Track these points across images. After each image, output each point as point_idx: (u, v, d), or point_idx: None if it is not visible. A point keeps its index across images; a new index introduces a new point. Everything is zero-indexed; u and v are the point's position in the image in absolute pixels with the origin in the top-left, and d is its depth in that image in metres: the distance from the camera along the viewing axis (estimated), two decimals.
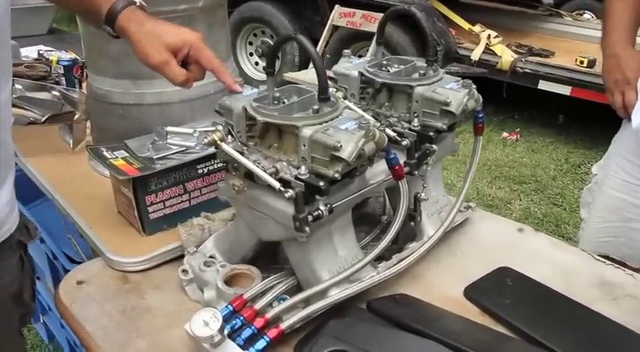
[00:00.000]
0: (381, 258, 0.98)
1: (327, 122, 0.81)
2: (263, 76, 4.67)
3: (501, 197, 3.01)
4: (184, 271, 0.97)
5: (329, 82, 1.05)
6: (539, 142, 3.77)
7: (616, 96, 1.40)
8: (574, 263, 1.06)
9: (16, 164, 1.42)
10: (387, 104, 1.02)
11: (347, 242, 0.93)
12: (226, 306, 0.85)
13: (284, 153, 0.84)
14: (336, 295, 0.87)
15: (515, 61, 3.72)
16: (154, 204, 1.07)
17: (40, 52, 2.01)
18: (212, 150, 0.88)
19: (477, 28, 4.00)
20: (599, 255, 1.09)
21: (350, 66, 1.04)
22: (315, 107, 0.83)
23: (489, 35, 3.88)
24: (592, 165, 3.27)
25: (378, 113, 1.02)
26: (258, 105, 0.84)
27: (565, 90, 3.58)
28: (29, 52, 2.13)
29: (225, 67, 0.94)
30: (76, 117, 1.56)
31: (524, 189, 3.12)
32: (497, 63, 3.77)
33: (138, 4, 0.93)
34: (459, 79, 0.98)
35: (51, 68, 1.90)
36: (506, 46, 3.89)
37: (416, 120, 0.96)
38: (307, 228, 0.80)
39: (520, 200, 3.01)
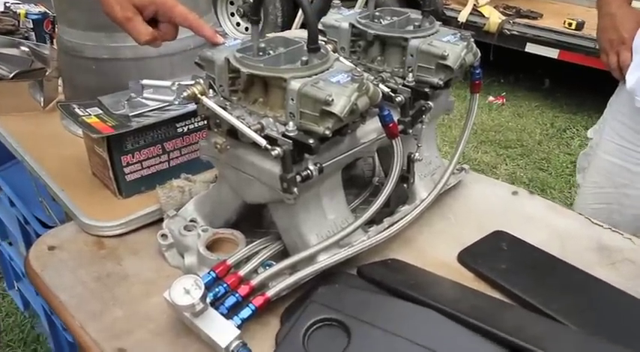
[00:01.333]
0: (371, 221, 0.93)
1: (317, 74, 0.74)
2: (245, 37, 4.58)
3: (487, 161, 2.98)
4: (163, 236, 0.92)
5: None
6: (524, 107, 3.73)
7: (611, 56, 1.35)
8: (570, 227, 1.02)
9: None
10: (379, 58, 0.95)
11: (336, 205, 0.88)
12: (208, 273, 0.80)
13: (270, 108, 0.78)
14: (325, 261, 0.82)
15: (503, 22, 3.64)
16: (131, 164, 1.00)
17: (7, 4, 1.89)
18: (192, 106, 0.82)
19: None
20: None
21: (340, 17, 0.97)
22: (304, 58, 0.77)
23: None
24: (577, 129, 3.25)
25: (370, 68, 0.95)
26: (242, 56, 0.77)
27: (553, 53, 3.53)
28: None
29: (202, 20, 0.86)
30: (47, 73, 1.47)
31: (510, 153, 3.09)
32: (484, 25, 3.69)
33: None
34: (457, 31, 0.92)
35: (19, 22, 1.79)
36: (494, 7, 3.81)
37: (410, 75, 0.90)
38: (295, 189, 0.74)
39: (506, 164, 2.98)
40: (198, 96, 0.76)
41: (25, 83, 1.41)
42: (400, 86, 0.90)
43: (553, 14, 3.77)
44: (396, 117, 0.89)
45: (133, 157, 1.00)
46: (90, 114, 1.00)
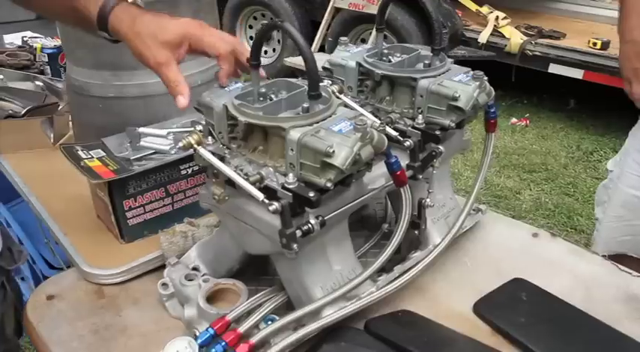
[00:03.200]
0: (382, 269, 0.88)
1: (318, 122, 0.70)
2: (264, 60, 4.58)
3: (510, 186, 2.90)
4: (164, 285, 0.88)
5: (324, 73, 0.96)
6: (549, 128, 3.63)
7: (635, 86, 1.29)
8: (596, 273, 0.96)
9: None
10: (388, 98, 0.91)
11: (343, 254, 0.83)
12: (207, 329, 0.76)
13: (270, 157, 0.74)
14: (330, 315, 0.78)
15: (525, 43, 3.57)
16: (133, 208, 0.97)
17: (25, 39, 1.91)
18: (192, 152, 0.78)
19: (484, 9, 3.85)
20: (617, 254, 0.99)
21: (347, 55, 0.93)
22: (306, 105, 0.73)
23: (497, 16, 3.72)
24: (605, 152, 3.14)
25: (378, 108, 0.91)
26: (241, 104, 0.73)
27: (577, 73, 3.44)
28: (14, 39, 2.03)
29: (233, 53, 0.81)
30: (60, 108, 1.47)
31: (535, 178, 3.00)
32: (505, 46, 3.62)
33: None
34: (469, 69, 0.88)
35: (35, 56, 1.80)
36: (515, 27, 3.74)
37: (420, 116, 0.86)
38: (295, 245, 0.70)
39: (530, 190, 2.89)
40: (195, 146, 0.73)
41: (36, 120, 1.40)
42: (410, 128, 0.86)
43: (577, 34, 3.68)
44: (405, 162, 0.85)
45: (136, 201, 0.97)
46: (92, 157, 0.98)
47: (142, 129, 0.82)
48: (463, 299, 0.90)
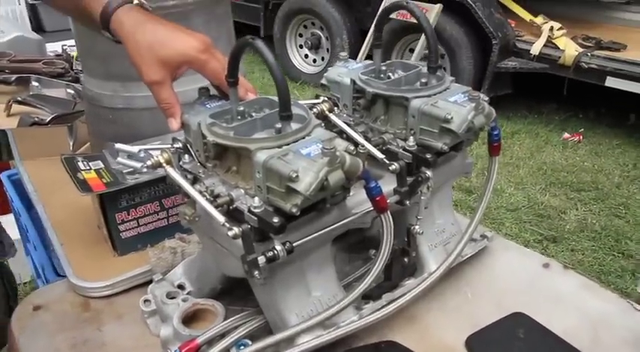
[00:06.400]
0: (369, 296, 0.84)
1: (288, 144, 0.67)
2: (312, 69, 4.61)
3: (555, 205, 2.76)
4: (146, 301, 0.87)
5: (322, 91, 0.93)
6: (604, 144, 3.45)
7: None
8: (608, 312, 0.88)
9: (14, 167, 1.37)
10: (382, 117, 0.87)
11: (324, 280, 0.80)
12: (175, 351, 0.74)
13: (242, 178, 0.72)
14: (305, 344, 0.74)
15: (580, 55, 3.41)
16: (126, 222, 0.97)
17: (64, 47, 1.97)
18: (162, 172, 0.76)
19: (538, 20, 3.71)
20: None
21: (343, 71, 0.90)
22: (278, 125, 0.70)
23: (552, 27, 3.57)
24: None
25: (372, 128, 0.87)
26: (212, 122, 0.71)
27: (637, 88, 3.25)
28: (57, 47, 2.11)
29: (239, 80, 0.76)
30: (83, 117, 1.50)
31: (583, 197, 2.85)
32: (559, 58, 3.47)
33: (135, 1, 0.78)
34: (468, 89, 0.82)
35: (72, 64, 1.86)
36: (572, 38, 3.58)
37: (412, 138, 0.81)
38: (256, 272, 0.67)
39: (577, 209, 2.74)
40: (164, 165, 0.71)
41: (58, 128, 1.44)
42: (401, 150, 0.81)
43: (639, 45, 3.49)
44: (391, 186, 0.80)
45: (129, 214, 0.97)
46: (90, 169, 0.99)
47: (118, 146, 0.81)
48: (457, 331, 0.85)
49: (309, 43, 4.56)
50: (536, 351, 0.81)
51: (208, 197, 0.69)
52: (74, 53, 1.84)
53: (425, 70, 0.89)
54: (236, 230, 0.65)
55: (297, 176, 0.63)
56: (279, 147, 0.67)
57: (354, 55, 4.14)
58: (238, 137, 0.69)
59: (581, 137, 3.52)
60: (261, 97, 0.78)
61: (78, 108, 1.62)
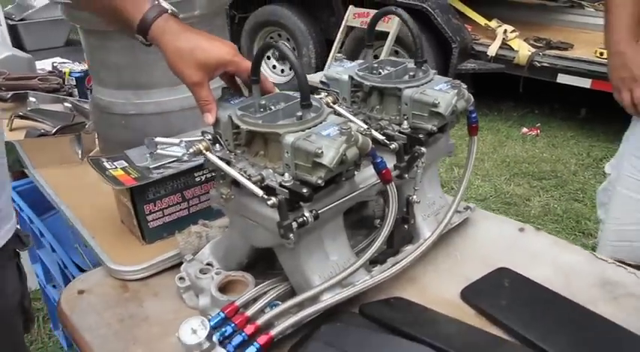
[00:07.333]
0: (376, 261, 0.98)
1: (309, 129, 0.81)
2: (281, 79, 4.75)
3: (520, 194, 2.96)
4: (181, 278, 0.99)
5: (322, 86, 1.07)
6: (559, 137, 3.70)
7: (624, 93, 1.37)
8: (576, 262, 1.04)
9: (27, 176, 1.46)
10: (378, 107, 1.01)
11: (339, 246, 0.93)
12: (218, 313, 0.86)
13: (270, 160, 0.85)
14: (327, 300, 0.87)
15: (533, 55, 3.66)
16: (153, 212, 1.09)
17: (55, 64, 2.06)
18: (202, 158, 0.89)
19: (493, 24, 3.95)
20: (616, 260, 1.06)
21: (341, 70, 1.04)
22: (299, 114, 0.84)
23: (506, 30, 3.82)
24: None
25: (370, 116, 1.01)
26: (243, 114, 0.84)
27: (585, 83, 3.51)
28: (45, 65, 2.19)
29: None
30: (87, 127, 1.60)
31: (544, 185, 3.07)
32: (514, 58, 3.72)
33: (169, 11, 0.89)
34: (449, 79, 0.98)
35: (64, 80, 1.95)
36: (524, 40, 3.83)
37: (405, 122, 0.96)
38: (292, 235, 0.80)
39: (539, 196, 2.95)
40: (204, 151, 0.84)
41: (66, 138, 1.54)
42: (397, 133, 0.96)
43: (584, 44, 3.76)
44: (393, 163, 0.95)
45: (155, 206, 1.08)
46: (116, 167, 1.10)
47: (158, 139, 0.93)
48: (451, 287, 0.99)
49: (277, 54, 4.70)
50: (520, 295, 0.96)
51: (245, 176, 0.82)
52: (66, 69, 1.94)
53: (410, 65, 1.04)
54: (274, 200, 0.78)
55: (322, 152, 0.76)
56: (303, 130, 0.81)
57: (321, 65, 4.31)
58: (268, 124, 0.82)
59: (538, 131, 3.76)
60: (277, 93, 0.92)
61: (77, 120, 1.72)
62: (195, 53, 0.85)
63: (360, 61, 1.08)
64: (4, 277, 0.96)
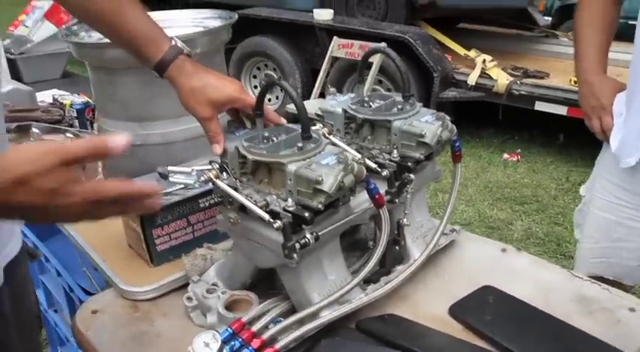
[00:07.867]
0: (370, 281, 1.06)
1: (310, 158, 0.89)
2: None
3: (503, 218, 3.07)
4: (189, 298, 1.05)
5: (317, 118, 1.16)
6: (539, 162, 3.83)
7: (594, 121, 1.46)
8: (554, 280, 1.13)
9: None
10: (369, 137, 1.10)
11: (336, 266, 1.01)
12: (226, 329, 0.93)
13: (273, 187, 0.93)
14: (327, 316, 0.95)
15: (511, 83, 3.81)
16: (161, 236, 1.16)
17: (55, 96, 2.14)
18: (211, 186, 0.97)
19: (472, 53, 4.12)
20: (593, 276, 1.14)
21: (335, 103, 1.13)
22: (300, 144, 0.92)
23: (485, 59, 3.98)
24: None
25: (362, 146, 1.10)
26: (249, 145, 0.93)
27: (561, 110, 3.66)
28: (45, 97, 2.26)
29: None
30: None
31: (526, 209, 3.18)
32: (493, 86, 3.87)
33: (185, 51, 0.99)
34: (434, 111, 1.07)
35: (65, 111, 2.02)
36: (502, 69, 3.99)
37: (395, 151, 1.05)
38: (295, 255, 0.88)
39: (522, 220, 3.06)
40: (214, 179, 0.92)
41: None
42: (387, 161, 1.05)
43: (560, 72, 3.93)
44: (384, 189, 1.03)
45: (163, 230, 1.15)
46: None
47: (170, 168, 1.01)
48: (440, 304, 1.07)
49: (263, 83, 4.81)
50: (504, 311, 1.04)
51: (252, 201, 0.90)
52: (66, 101, 2.01)
53: (398, 98, 1.14)
54: (279, 223, 0.86)
55: (322, 179, 0.85)
56: (304, 160, 0.89)
57: (307, 95, 4.43)
58: (272, 154, 0.90)
59: (519, 157, 3.90)
60: (278, 127, 1.01)
61: None
62: (206, 91, 0.94)
63: (352, 95, 1.17)
64: (28, 281, 1.02)
